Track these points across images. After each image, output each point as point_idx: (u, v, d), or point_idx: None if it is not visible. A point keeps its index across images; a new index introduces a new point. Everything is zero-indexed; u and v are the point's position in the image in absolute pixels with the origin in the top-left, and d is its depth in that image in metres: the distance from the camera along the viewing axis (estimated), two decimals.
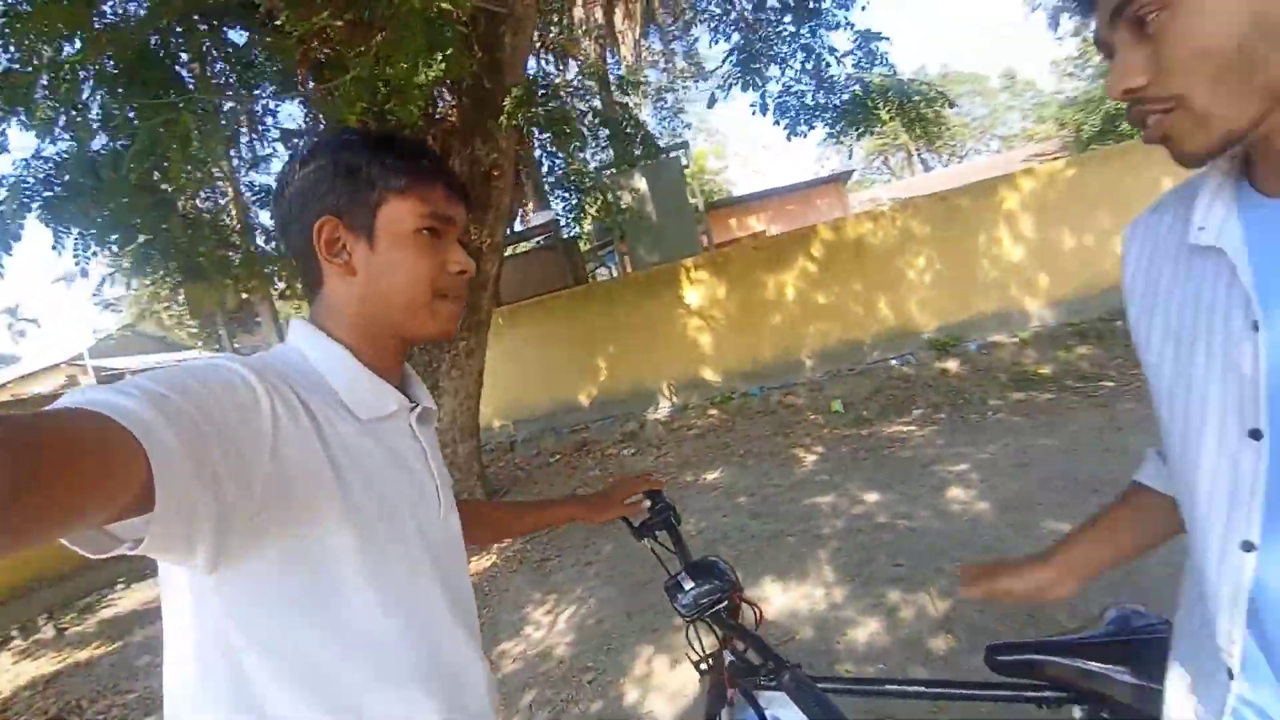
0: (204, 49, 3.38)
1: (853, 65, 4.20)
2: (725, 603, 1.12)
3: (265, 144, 5.42)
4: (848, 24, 4.11)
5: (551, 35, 9.25)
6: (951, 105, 5.07)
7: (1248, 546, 0.60)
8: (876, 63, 4.18)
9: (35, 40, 2.33)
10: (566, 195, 6.72)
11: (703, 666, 1.23)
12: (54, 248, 2.76)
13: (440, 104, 5.54)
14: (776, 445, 5.87)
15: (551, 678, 2.86)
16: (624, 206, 7.32)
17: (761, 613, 1.16)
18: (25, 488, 0.38)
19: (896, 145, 30.48)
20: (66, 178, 2.47)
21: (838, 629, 2.70)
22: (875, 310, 7.25)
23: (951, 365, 6.62)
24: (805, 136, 4.94)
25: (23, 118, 2.90)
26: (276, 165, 6.45)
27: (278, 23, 2.11)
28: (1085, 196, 6.77)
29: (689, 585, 1.11)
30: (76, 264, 3.11)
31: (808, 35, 3.90)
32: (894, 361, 7.08)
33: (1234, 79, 0.53)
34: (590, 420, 7.97)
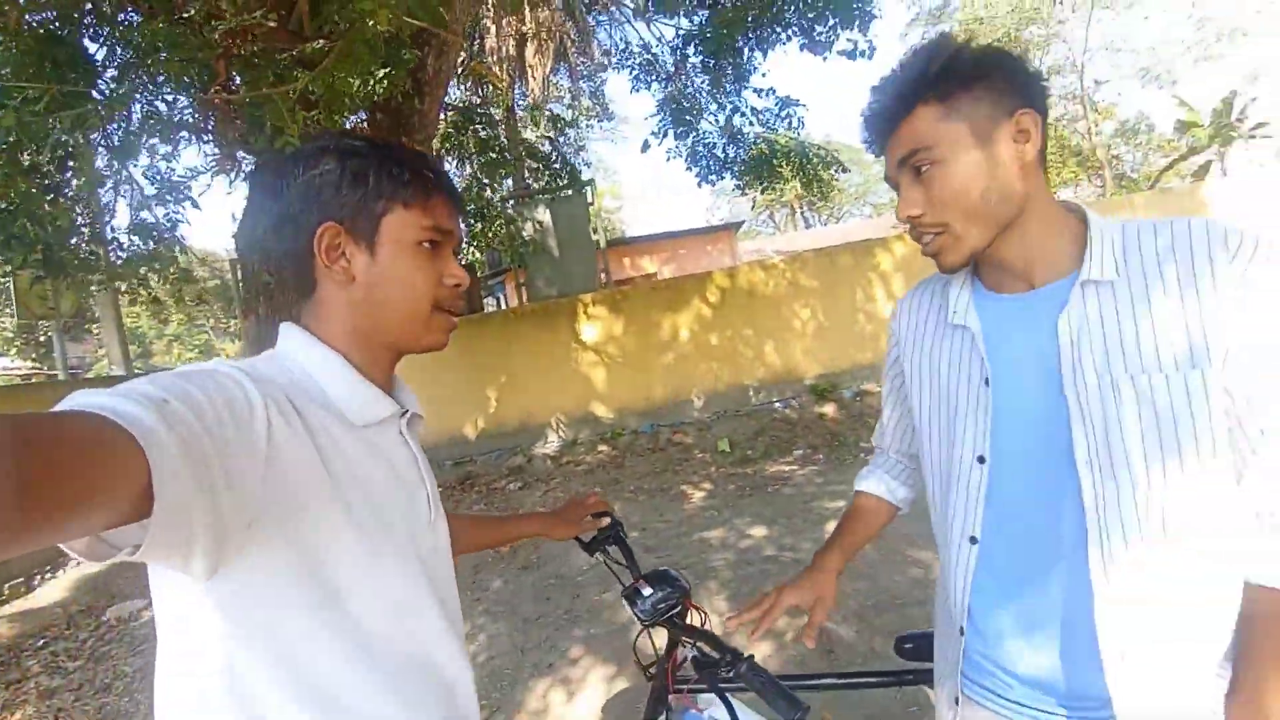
0: (108, 34, 3.06)
1: (761, 124, 4.54)
2: (679, 607, 1.17)
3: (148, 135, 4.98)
4: (770, 90, 4.46)
5: (469, 62, 9.22)
6: (845, 170, 5.60)
7: (973, 540, 0.88)
8: (792, 125, 4.55)
9: None
10: (470, 222, 6.63)
11: (650, 672, 1.26)
12: None
13: (352, 119, 5.37)
14: (666, 481, 5.99)
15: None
16: (526, 237, 7.33)
17: (706, 615, 1.22)
18: (28, 488, 0.38)
19: (782, 202, 32.67)
20: None
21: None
22: (763, 355, 7.67)
23: (829, 409, 7.10)
24: (715, 185, 5.30)
25: None
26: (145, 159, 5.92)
27: (187, 15, 1.99)
28: None
29: (647, 591, 1.16)
30: None
31: (732, 94, 4.20)
32: (778, 404, 7.49)
33: (978, 214, 0.80)
34: (477, 453, 7.76)
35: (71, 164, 2.40)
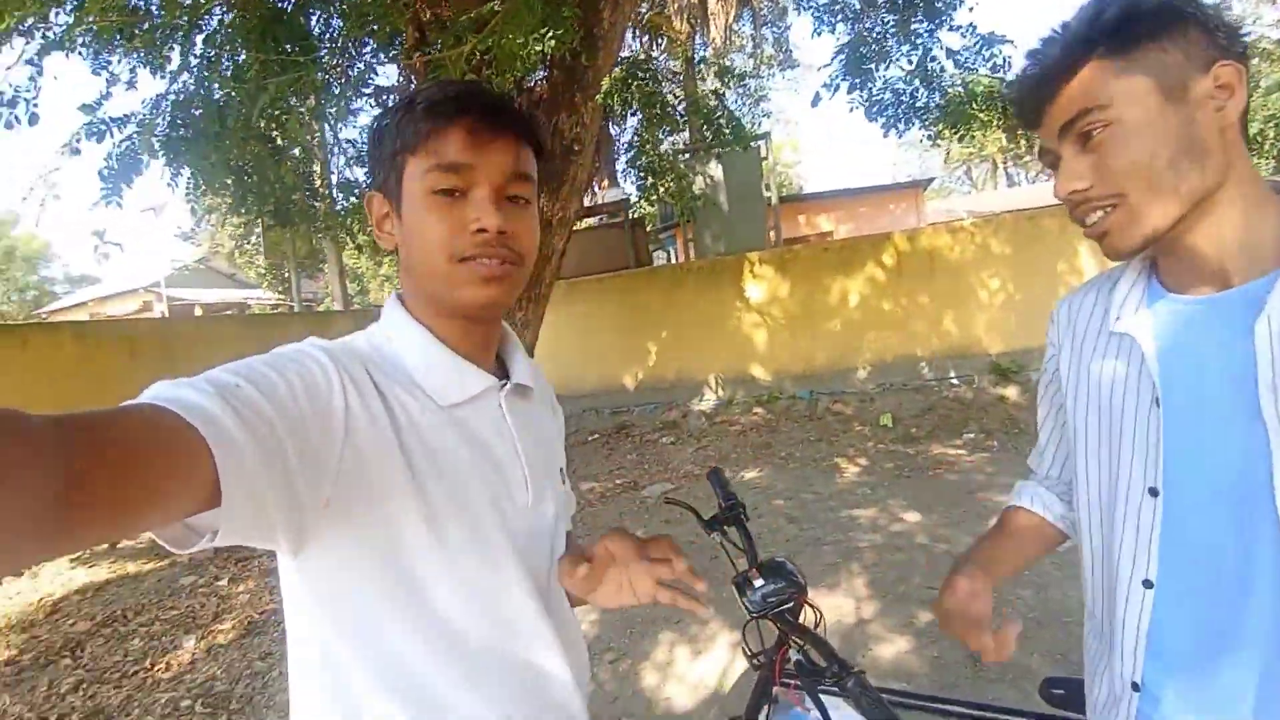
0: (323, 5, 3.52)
1: (959, 66, 4.03)
2: (791, 603, 1.13)
3: (359, 98, 5.59)
4: (970, 27, 3.91)
5: (645, 13, 9.18)
6: None
7: (1148, 584, 0.75)
8: (996, 68, 3.98)
9: None
10: (640, 176, 6.71)
11: (757, 662, 1.25)
12: (169, 184, 2.96)
13: (532, 75, 5.61)
14: (820, 452, 5.81)
15: None
16: (697, 192, 7.28)
17: (822, 616, 1.18)
18: (79, 487, 0.38)
19: (982, 156, 29.26)
20: (190, 121, 2.64)
21: (863, 643, 2.69)
22: (939, 326, 7.05)
23: (1012, 392, 6.41)
24: (901, 135, 4.81)
25: (143, 55, 3.09)
26: (364, 119, 6.65)
27: None
28: None
29: (759, 583, 1.12)
30: (187, 200, 3.33)
31: (924, 34, 3.75)
32: (952, 381, 6.89)
33: (1163, 186, 0.66)
34: (633, 404, 8.04)
35: (289, 130, 2.81)
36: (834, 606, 3.02)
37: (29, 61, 2.84)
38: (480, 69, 2.61)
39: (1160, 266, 0.76)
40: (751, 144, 6.44)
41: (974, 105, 4.43)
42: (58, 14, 2.94)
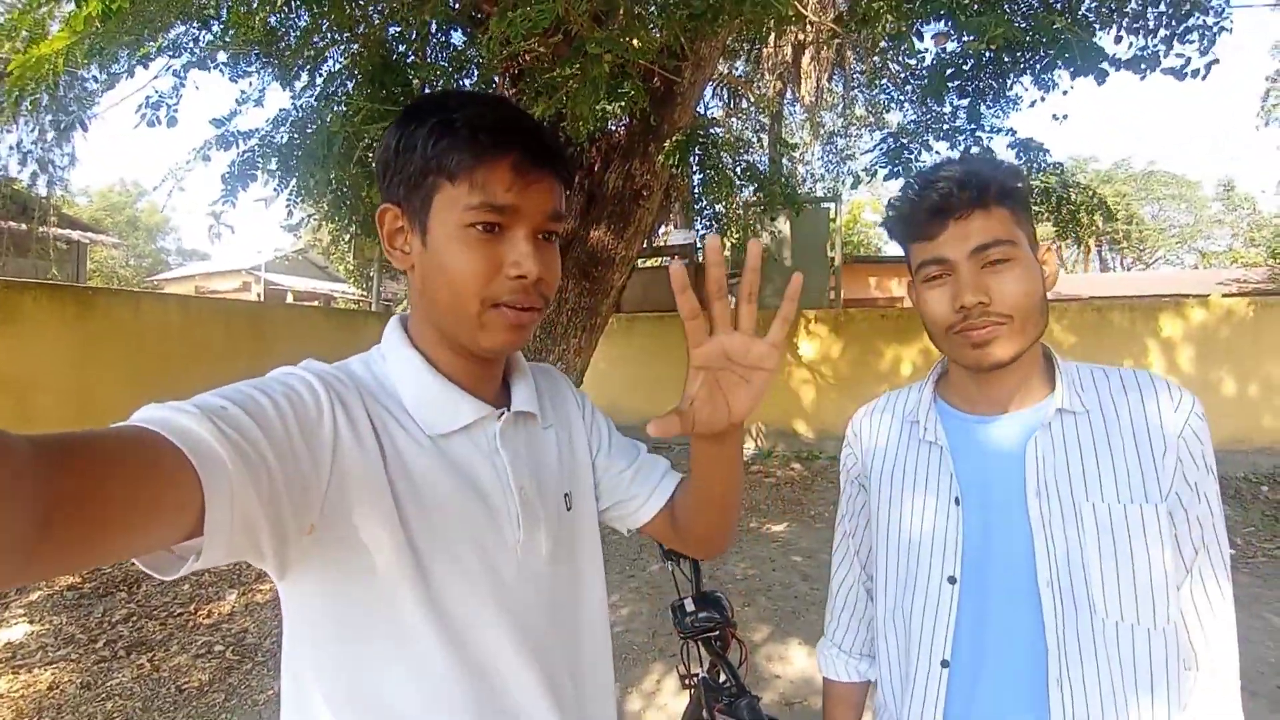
0: (428, 45, 4.00)
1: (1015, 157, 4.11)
2: (718, 632, 1.28)
3: None
4: (1009, 130, 4.02)
5: (727, 72, 9.54)
6: (1111, 218, 4.80)
7: (944, 664, 0.85)
8: (1036, 169, 4.06)
9: (314, 17, 2.93)
10: (708, 225, 6.97)
11: (686, 681, 1.40)
12: (276, 191, 3.43)
13: (611, 123, 5.99)
14: None
15: None
16: (764, 247, 7.47)
17: (747, 651, 1.32)
18: (58, 511, 0.37)
19: (1076, 237, 28.26)
20: (303, 142, 3.08)
21: None
22: None
23: None
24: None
25: (276, 72, 3.60)
26: None
27: (487, 31, 2.48)
28: (1261, 343, 6.12)
29: (690, 609, 1.29)
30: (286, 208, 3.82)
31: (966, 132, 3.85)
32: None
33: (1033, 318, 0.81)
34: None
35: None
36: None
37: (174, 73, 3.36)
38: (560, 120, 2.92)
39: (948, 389, 0.93)
40: (822, 204, 6.61)
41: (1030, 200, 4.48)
42: (203, 34, 3.47)
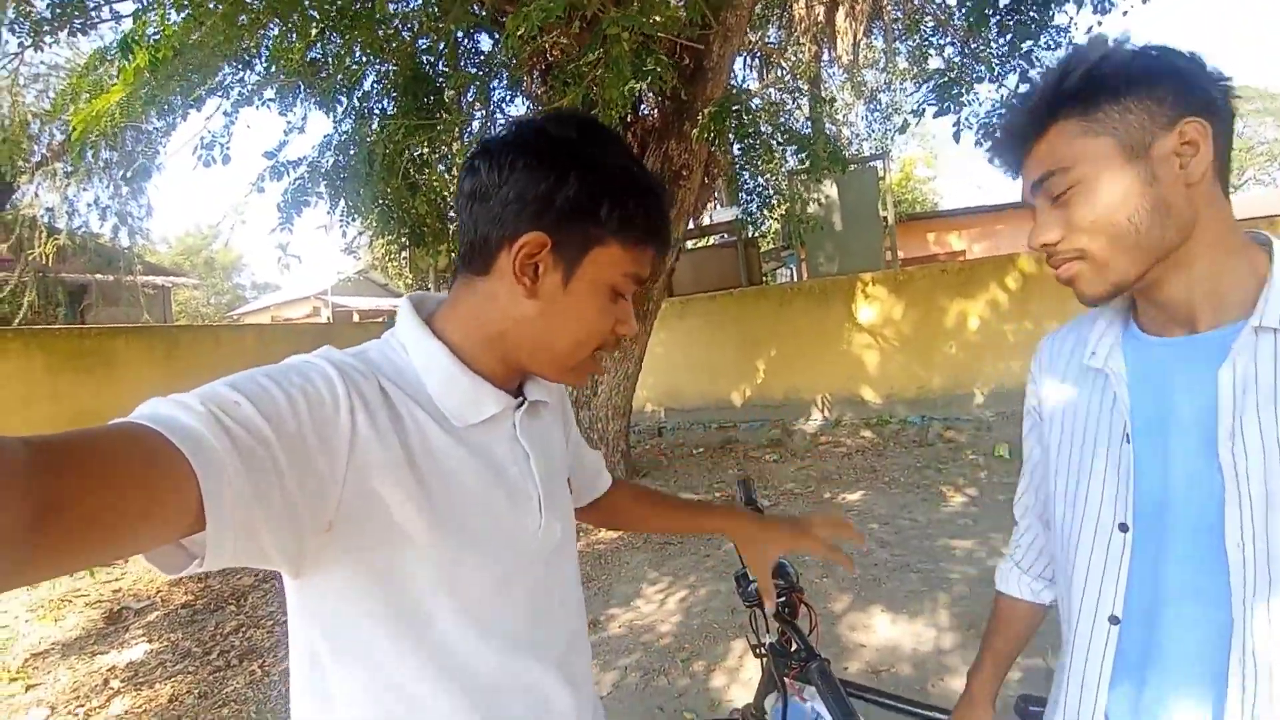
0: (457, 54, 4.10)
1: None
2: (784, 599, 1.26)
3: (494, 130, 6.22)
4: (1069, 44, 3.75)
5: (759, 40, 9.32)
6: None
7: (1114, 620, 0.75)
8: None
9: (346, 43, 3.05)
10: (751, 198, 6.85)
11: (757, 650, 1.38)
12: (328, 213, 3.61)
13: (644, 105, 5.95)
14: (926, 478, 5.60)
15: (650, 648, 3.12)
16: (809, 214, 7.30)
17: (816, 616, 1.29)
18: (52, 512, 0.37)
19: None
20: (347, 162, 3.21)
21: (936, 672, 2.66)
22: None
23: None
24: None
25: (318, 101, 3.76)
26: None
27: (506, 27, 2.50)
28: None
29: (754, 576, 1.27)
30: (340, 227, 4.01)
31: (1020, 56, 3.61)
32: None
33: (1124, 241, 0.69)
34: (739, 420, 8.10)
35: (425, 170, 3.30)
36: (913, 634, 2.99)
37: (225, 113, 3.55)
38: (591, 107, 2.93)
39: (1137, 308, 0.79)
40: (868, 164, 6.38)
41: None
42: (247, 73, 3.65)
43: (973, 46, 3.85)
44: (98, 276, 13.40)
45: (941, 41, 4.40)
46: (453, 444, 0.67)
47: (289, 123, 3.62)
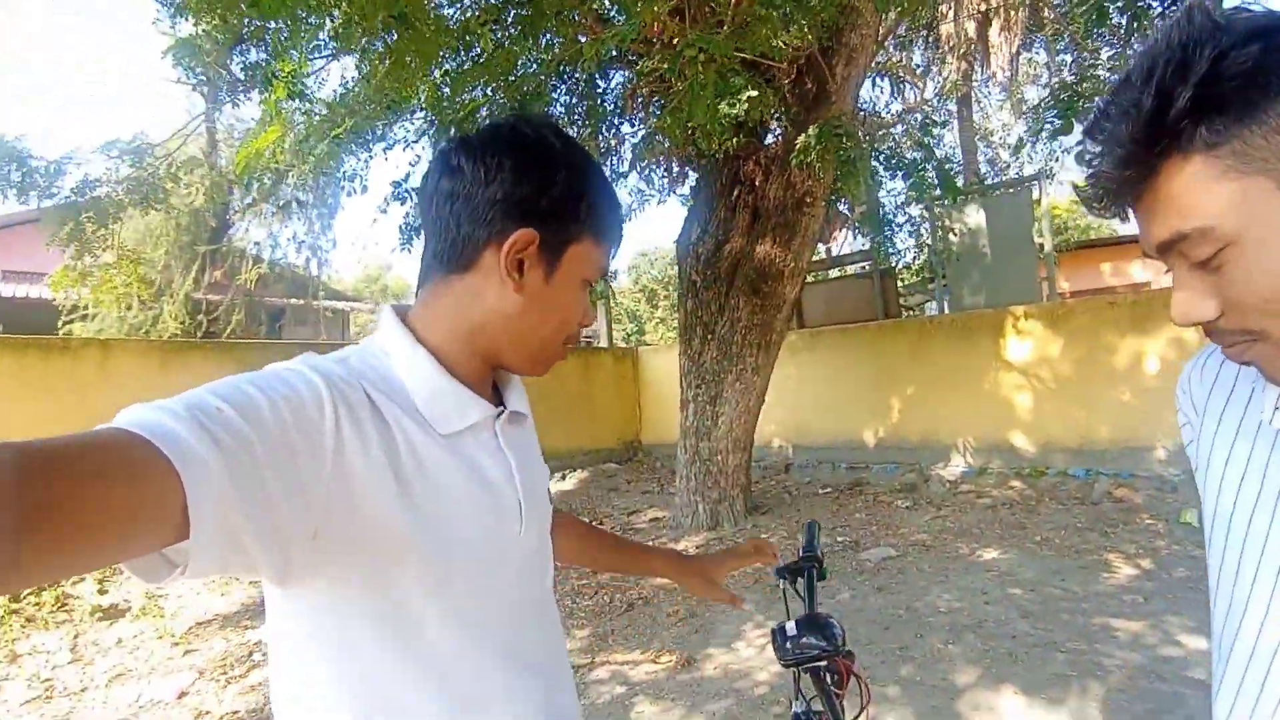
0: (585, 89, 4.30)
1: None
2: (825, 663, 1.11)
3: (619, 162, 6.41)
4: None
5: (898, 61, 8.91)
6: None
7: None
8: None
9: (459, 87, 3.33)
10: (885, 227, 6.49)
11: (795, 711, 1.23)
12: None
13: (769, 132, 5.86)
14: (1087, 542, 4.88)
15: (743, 696, 2.94)
16: (949, 242, 6.77)
17: (870, 694, 1.12)
18: (36, 518, 0.37)
19: None
20: None
21: None
22: None
23: None
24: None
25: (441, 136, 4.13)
26: (630, 181, 7.47)
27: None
28: None
29: (792, 632, 1.13)
30: None
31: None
32: None
33: None
34: (872, 461, 7.59)
35: None
36: None
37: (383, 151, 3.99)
38: (692, 135, 2.92)
39: None
40: (1013, 189, 5.78)
41: None
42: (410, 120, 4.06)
43: (1092, 55, 3.38)
44: (292, 300, 15.44)
45: (1102, 44, 3.89)
46: (437, 449, 0.67)
47: (416, 155, 4.00)
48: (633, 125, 4.84)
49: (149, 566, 0.50)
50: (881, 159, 4.30)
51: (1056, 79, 10.80)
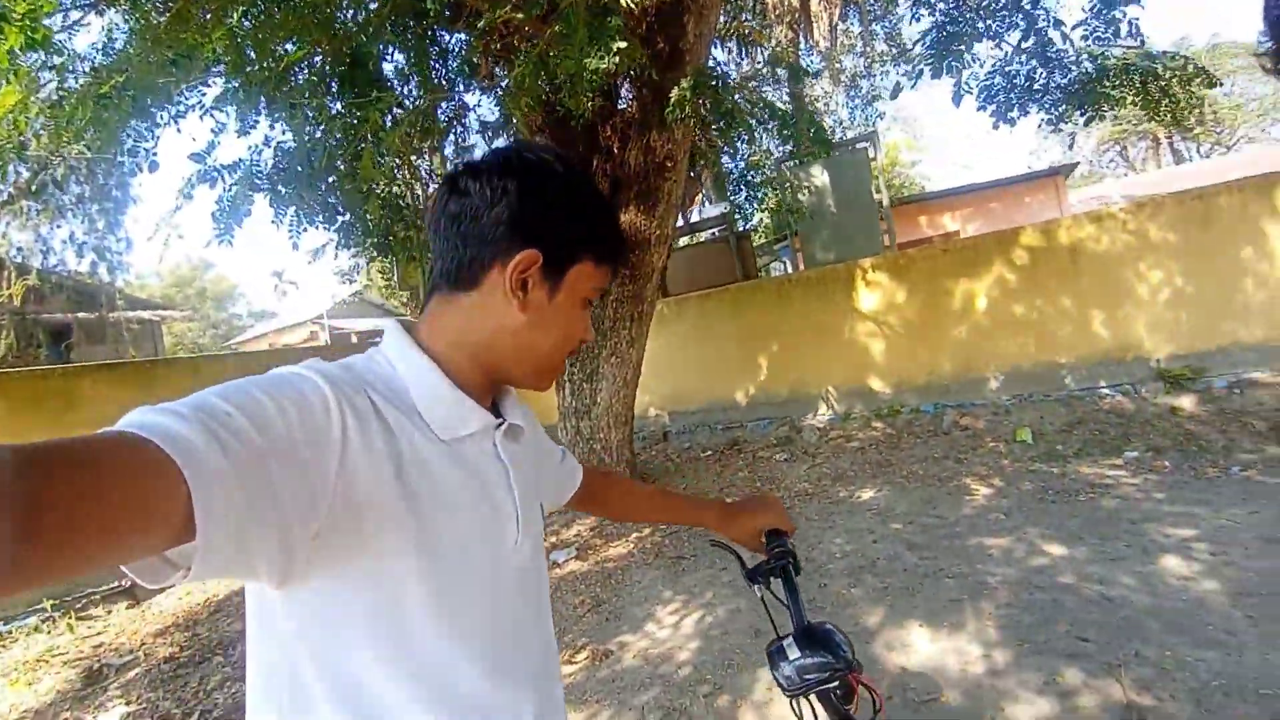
0: (417, 48, 3.81)
1: (1084, 38, 3.51)
2: (836, 683, 0.94)
3: (468, 137, 5.91)
4: None
5: (736, 22, 9.06)
6: (1213, 84, 4.05)
7: None
8: (1121, 35, 3.44)
9: (268, 40, 2.75)
10: (738, 189, 6.56)
11: None
12: (273, 222, 3.28)
13: (621, 96, 5.65)
14: (946, 470, 5.30)
15: (670, 682, 2.81)
16: (800, 202, 7.01)
17: (882, 701, 0.96)
18: (38, 520, 0.37)
19: (1139, 132, 26.12)
20: (285, 165, 2.89)
21: (993, 700, 2.35)
22: (1087, 330, 6.25)
23: (1186, 403, 5.53)
24: (1014, 124, 4.24)
25: (244, 102, 3.47)
26: (478, 154, 7.00)
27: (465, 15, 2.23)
28: None
29: (794, 654, 0.94)
30: (290, 238, 3.68)
31: (1029, 4, 3.30)
32: (1106, 391, 6.07)
33: None
34: (745, 419, 7.80)
35: (365, 168, 3.04)
36: (957, 651, 2.68)
37: (173, 120, 3.24)
38: (556, 92, 2.63)
39: None
40: (857, 146, 6.10)
41: (1105, 82, 3.80)
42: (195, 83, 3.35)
43: (967, 5, 3.56)
44: (80, 315, 13.08)
45: (922, 11, 4.09)
46: (440, 455, 0.68)
47: (218, 121, 3.27)
48: (482, 92, 4.41)
49: (150, 568, 0.50)
50: (756, 112, 4.23)
51: (878, 49, 11.56)
